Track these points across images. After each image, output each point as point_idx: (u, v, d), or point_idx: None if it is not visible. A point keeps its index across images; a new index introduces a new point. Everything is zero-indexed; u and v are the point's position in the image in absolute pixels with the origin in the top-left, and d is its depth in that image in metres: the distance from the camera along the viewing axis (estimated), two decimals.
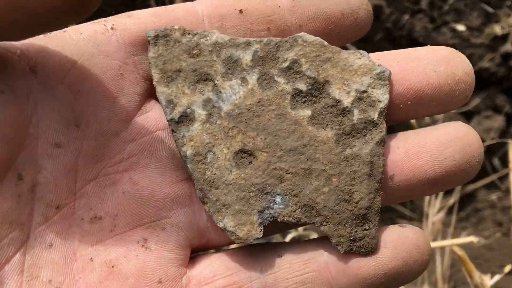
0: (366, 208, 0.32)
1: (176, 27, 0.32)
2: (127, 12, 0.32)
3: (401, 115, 0.33)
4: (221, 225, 0.31)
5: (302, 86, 0.32)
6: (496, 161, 1.05)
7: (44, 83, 0.29)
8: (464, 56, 0.33)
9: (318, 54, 0.32)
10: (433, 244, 0.69)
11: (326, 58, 0.32)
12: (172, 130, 0.32)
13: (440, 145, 0.32)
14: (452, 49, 0.33)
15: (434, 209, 0.88)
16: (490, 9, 0.99)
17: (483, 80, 1.03)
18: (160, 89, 0.32)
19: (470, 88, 0.33)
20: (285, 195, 0.32)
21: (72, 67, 0.29)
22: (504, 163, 1.04)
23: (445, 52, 0.32)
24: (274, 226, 0.32)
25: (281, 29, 0.33)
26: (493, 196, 1.03)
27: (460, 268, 0.85)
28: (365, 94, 0.32)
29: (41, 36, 0.30)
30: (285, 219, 0.31)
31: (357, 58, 0.32)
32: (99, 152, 0.30)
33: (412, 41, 1.00)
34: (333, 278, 0.31)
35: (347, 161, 0.32)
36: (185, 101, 0.32)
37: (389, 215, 1.03)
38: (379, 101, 0.32)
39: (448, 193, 0.99)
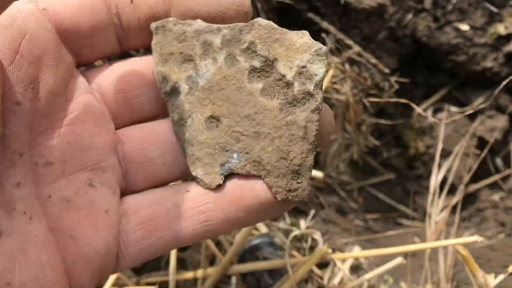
0: (298, 165, 0.37)
1: (170, 18, 0.39)
2: None
3: None
4: (194, 173, 0.40)
5: (256, 63, 0.38)
6: (499, 161, 1.05)
7: (3, 52, 0.34)
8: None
9: (269, 35, 0.37)
10: (437, 244, 0.68)
11: (275, 38, 0.37)
12: (166, 101, 0.39)
13: None
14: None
15: (437, 208, 0.88)
16: (494, 9, 0.99)
17: (486, 79, 1.03)
18: (158, 69, 0.39)
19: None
20: (240, 153, 0.38)
21: (23, 39, 0.35)
22: (507, 163, 1.04)
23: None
24: None
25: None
26: (496, 196, 1.03)
27: (463, 267, 0.85)
28: (304, 69, 0.37)
29: None
30: (239, 172, 0.38)
31: (299, 37, 0.37)
32: (47, 109, 0.37)
33: (415, 40, 1.00)
34: (225, 207, 0.39)
35: (287, 126, 0.37)
36: (174, 77, 0.39)
37: (391, 214, 1.03)
38: (315, 75, 0.37)
39: (451, 192, 0.98)
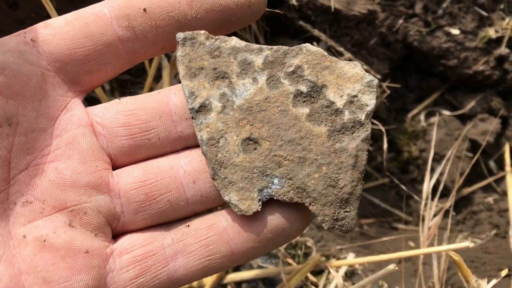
0: (348, 193, 0.37)
1: (201, 32, 0.38)
2: (44, 22, 0.36)
3: None
4: (226, 198, 0.37)
5: (303, 88, 0.37)
6: (492, 164, 1.05)
7: None
8: None
9: (318, 62, 0.38)
10: (429, 250, 0.69)
11: (325, 66, 0.37)
12: (192, 117, 0.38)
13: None
14: None
15: (431, 213, 0.88)
16: (484, 13, 0.99)
17: (478, 82, 1.03)
18: (185, 83, 0.38)
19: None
20: (282, 178, 0.37)
21: (1, 75, 0.34)
22: (500, 165, 1.05)
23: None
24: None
25: (182, 23, 0.37)
26: (490, 199, 1.03)
27: (457, 272, 0.85)
28: (355, 98, 0.37)
29: None
30: (280, 198, 0.37)
31: (351, 67, 0.38)
32: (29, 146, 0.35)
33: (407, 45, 1.00)
34: (231, 239, 0.37)
35: (336, 153, 0.37)
36: (204, 94, 0.38)
37: (386, 218, 1.03)
38: (367, 105, 0.37)
39: (445, 196, 0.99)
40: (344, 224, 0.37)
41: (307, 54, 0.38)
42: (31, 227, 0.35)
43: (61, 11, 0.46)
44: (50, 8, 0.56)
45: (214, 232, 0.37)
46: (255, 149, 0.37)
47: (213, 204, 0.39)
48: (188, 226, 0.38)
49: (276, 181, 0.37)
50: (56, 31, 0.36)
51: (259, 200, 0.37)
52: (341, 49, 0.90)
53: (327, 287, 0.79)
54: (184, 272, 0.37)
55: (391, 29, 0.99)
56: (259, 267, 0.78)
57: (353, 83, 0.37)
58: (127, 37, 0.37)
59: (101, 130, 0.38)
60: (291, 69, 0.37)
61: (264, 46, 0.38)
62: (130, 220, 0.38)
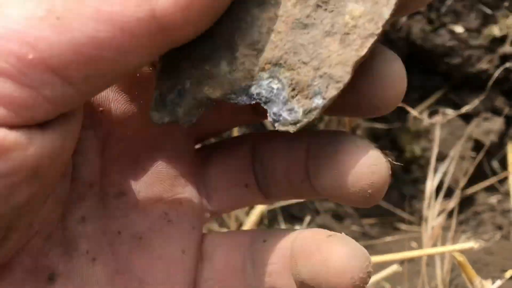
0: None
1: None
2: None
3: None
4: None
5: None
6: (495, 164, 1.04)
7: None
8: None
9: None
10: (433, 250, 0.68)
11: None
12: None
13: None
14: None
15: (434, 213, 0.87)
16: (488, 11, 0.98)
17: (481, 82, 1.02)
18: None
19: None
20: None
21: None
22: (504, 165, 1.03)
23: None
24: None
25: None
26: (493, 199, 1.02)
27: (461, 272, 0.84)
28: None
29: None
30: None
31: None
32: (121, 133, 0.32)
33: (410, 43, 0.99)
34: (292, 268, 0.31)
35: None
36: None
37: (388, 218, 1.02)
38: None
39: (447, 196, 0.98)
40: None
41: None
42: (125, 222, 0.32)
43: None
44: None
45: (277, 258, 0.32)
46: None
47: None
48: (265, 241, 0.33)
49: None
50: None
51: None
52: None
53: None
54: None
55: (395, 26, 0.97)
56: None
57: None
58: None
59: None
60: None
61: None
62: (217, 206, 0.35)
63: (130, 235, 0.32)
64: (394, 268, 0.69)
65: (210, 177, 0.36)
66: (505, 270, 0.81)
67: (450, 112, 1.04)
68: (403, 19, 0.97)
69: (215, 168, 0.36)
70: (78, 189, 0.31)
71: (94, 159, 0.31)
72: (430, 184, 0.91)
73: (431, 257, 0.87)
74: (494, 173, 1.04)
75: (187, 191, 0.34)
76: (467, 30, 0.99)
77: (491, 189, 1.03)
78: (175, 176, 0.34)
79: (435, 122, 1.01)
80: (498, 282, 0.68)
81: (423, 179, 1.02)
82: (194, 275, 0.33)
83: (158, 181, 0.33)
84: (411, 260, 0.91)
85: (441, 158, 1.01)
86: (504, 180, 1.03)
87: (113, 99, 0.32)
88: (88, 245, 0.30)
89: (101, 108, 0.31)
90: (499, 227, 1.00)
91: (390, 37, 0.98)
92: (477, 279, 0.67)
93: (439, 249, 0.68)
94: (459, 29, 0.99)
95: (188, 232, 0.34)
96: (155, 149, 0.34)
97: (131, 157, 0.33)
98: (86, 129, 0.31)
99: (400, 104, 0.82)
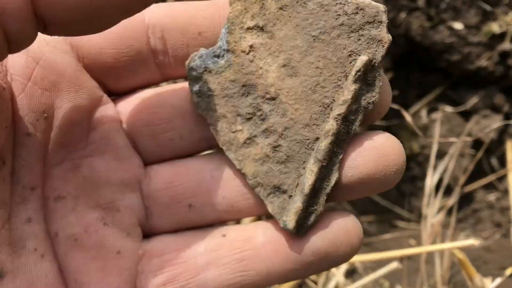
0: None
1: None
2: None
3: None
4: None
5: None
6: (494, 161, 1.04)
7: (14, 80, 0.31)
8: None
9: None
10: (433, 248, 0.67)
11: None
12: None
13: (354, 153, 0.33)
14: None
15: (433, 210, 0.87)
16: (487, 7, 0.98)
17: (481, 79, 1.02)
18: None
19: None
20: None
21: (36, 65, 0.32)
22: (503, 163, 1.03)
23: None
24: None
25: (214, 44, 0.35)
26: (492, 197, 1.02)
27: (460, 270, 0.84)
28: None
29: None
30: None
31: None
32: (64, 140, 0.33)
33: (409, 40, 0.99)
34: (267, 257, 0.34)
35: None
36: None
37: (387, 216, 1.02)
38: None
39: (446, 193, 0.97)
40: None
41: None
42: (62, 224, 0.33)
43: None
44: None
45: (250, 246, 0.34)
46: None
47: (241, 215, 0.36)
48: (225, 236, 0.35)
49: None
50: None
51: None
52: None
53: (327, 285, 0.77)
54: (214, 285, 0.34)
55: (394, 23, 0.97)
56: None
57: None
58: (159, 49, 0.35)
59: (125, 127, 0.36)
60: None
61: None
62: (158, 222, 0.36)
63: (66, 236, 0.33)
64: (394, 265, 0.68)
65: (155, 191, 0.36)
66: (504, 268, 0.81)
67: (449, 109, 1.03)
68: (402, 15, 0.97)
69: (163, 182, 0.36)
70: (20, 192, 0.32)
71: (35, 163, 0.33)
72: (430, 181, 0.90)
73: (430, 255, 0.87)
74: (493, 170, 1.04)
75: (127, 199, 0.35)
76: (467, 26, 0.99)
77: (489, 187, 1.03)
78: (115, 183, 0.35)
79: (434, 119, 1.00)
80: (498, 280, 0.67)
81: (422, 177, 1.02)
82: (132, 272, 0.34)
83: (96, 187, 0.34)
84: (410, 258, 0.90)
85: (439, 155, 1.00)
86: (503, 178, 1.03)
87: (57, 107, 0.33)
88: (36, 243, 0.32)
89: (45, 115, 0.32)
90: (498, 225, 0.99)
91: (390, 33, 0.97)
92: (477, 277, 0.66)
93: (439, 246, 0.68)
94: (458, 25, 0.99)
95: (123, 236, 0.34)
96: (96, 156, 0.35)
97: (72, 163, 0.34)
98: (29, 135, 0.32)
99: (397, 107, 0.81)
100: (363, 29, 0.32)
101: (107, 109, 0.35)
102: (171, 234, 0.36)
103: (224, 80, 0.34)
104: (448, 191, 0.97)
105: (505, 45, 0.99)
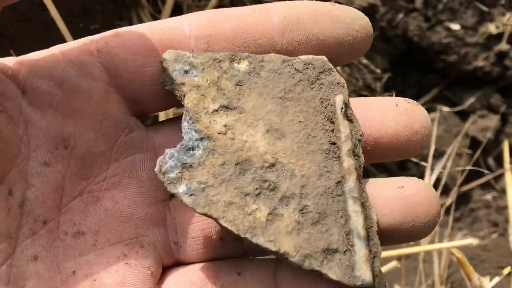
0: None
1: None
2: (114, 31, 0.32)
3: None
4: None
5: None
6: (491, 161, 1.05)
7: (33, 105, 0.30)
8: (423, 108, 0.33)
9: None
10: (431, 247, 0.68)
11: None
12: None
13: (383, 200, 0.32)
14: (413, 102, 0.33)
15: None
16: (484, 8, 0.98)
17: (478, 79, 1.02)
18: None
19: (426, 139, 0.33)
20: None
21: (60, 90, 0.30)
22: (499, 162, 1.04)
23: (404, 104, 0.33)
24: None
25: (269, 52, 0.33)
26: (488, 196, 1.03)
27: (458, 269, 0.85)
28: None
29: (32, 54, 0.31)
30: None
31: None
32: (85, 170, 0.31)
33: (407, 40, 0.99)
34: None
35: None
36: None
37: None
38: None
39: (443, 193, 0.98)
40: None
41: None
42: (81, 262, 0.31)
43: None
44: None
45: (264, 286, 0.32)
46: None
47: (267, 253, 0.34)
48: (239, 274, 0.33)
49: None
50: (125, 43, 0.31)
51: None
52: None
53: None
54: None
55: (391, 23, 0.97)
56: None
57: None
58: None
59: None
60: None
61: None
62: (185, 254, 0.34)
63: (84, 275, 0.31)
64: (392, 264, 0.69)
65: (181, 223, 0.34)
66: (501, 267, 0.82)
67: (446, 109, 1.04)
68: (400, 16, 0.97)
69: (190, 216, 0.34)
70: (30, 225, 0.29)
71: (50, 195, 0.30)
72: (427, 180, 0.91)
73: (428, 254, 0.87)
74: (490, 170, 1.04)
75: (151, 234, 0.33)
76: (464, 27, 0.99)
77: (486, 186, 1.04)
78: (140, 217, 0.33)
79: (432, 119, 1.01)
80: (496, 279, 0.68)
81: (419, 176, 1.02)
82: None
83: (119, 221, 0.32)
84: (408, 257, 0.91)
85: (436, 155, 1.01)
86: (499, 177, 1.03)
87: (79, 135, 0.31)
88: (36, 285, 0.29)
89: (65, 143, 0.31)
90: (495, 224, 1.00)
91: (387, 35, 0.98)
92: (475, 276, 0.67)
93: (438, 245, 0.68)
94: (455, 26, 0.99)
95: (144, 276, 0.32)
96: (119, 189, 0.33)
97: (92, 196, 0.32)
98: (46, 165, 0.30)
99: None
100: (320, 79, 0.33)
101: (133, 138, 0.33)
102: (184, 270, 0.34)
103: (211, 167, 0.31)
104: (445, 191, 0.98)
105: (502, 46, 1.00)
